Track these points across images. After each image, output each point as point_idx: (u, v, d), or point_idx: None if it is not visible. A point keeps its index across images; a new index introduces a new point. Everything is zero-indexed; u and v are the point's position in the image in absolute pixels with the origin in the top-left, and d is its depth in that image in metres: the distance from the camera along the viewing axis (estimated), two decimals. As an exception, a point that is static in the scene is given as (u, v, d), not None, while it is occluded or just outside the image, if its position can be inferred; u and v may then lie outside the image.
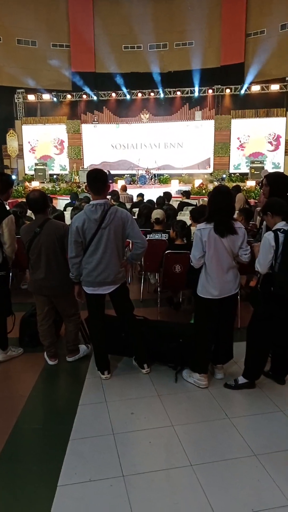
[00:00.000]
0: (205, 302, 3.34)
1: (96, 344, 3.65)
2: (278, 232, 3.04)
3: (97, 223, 3.28)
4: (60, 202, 12.69)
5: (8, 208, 4.38)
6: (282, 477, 2.45)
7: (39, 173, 18.62)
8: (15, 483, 2.47)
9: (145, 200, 9.50)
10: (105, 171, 3.62)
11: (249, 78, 18.63)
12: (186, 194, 10.68)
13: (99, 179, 3.35)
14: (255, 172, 16.68)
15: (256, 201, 11.62)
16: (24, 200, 11.09)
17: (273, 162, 18.55)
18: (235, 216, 5.09)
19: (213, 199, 3.32)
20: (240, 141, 19.00)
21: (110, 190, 3.25)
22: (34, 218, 3.74)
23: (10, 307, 3.95)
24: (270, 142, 18.67)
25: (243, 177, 17.67)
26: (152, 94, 19.25)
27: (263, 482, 2.42)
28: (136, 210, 8.18)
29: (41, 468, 2.59)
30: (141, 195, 10.44)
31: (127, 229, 3.36)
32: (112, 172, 17.09)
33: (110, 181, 14.13)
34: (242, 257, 3.30)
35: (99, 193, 3.34)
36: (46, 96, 19.65)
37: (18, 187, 17.13)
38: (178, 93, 19.07)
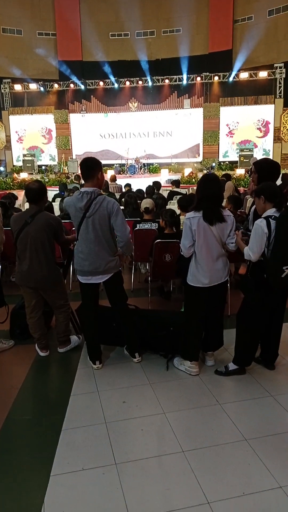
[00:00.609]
0: (195, 290, 3.35)
1: (88, 335, 3.66)
2: (270, 219, 3.04)
3: (82, 212, 3.26)
4: (49, 193, 12.56)
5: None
6: (272, 460, 2.49)
7: (27, 164, 18.43)
8: (8, 474, 2.48)
9: (134, 190, 9.46)
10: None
11: (237, 65, 18.56)
12: (176, 183, 10.64)
13: (86, 165, 3.32)
14: (245, 160, 16.69)
15: (246, 189, 11.63)
16: (12, 192, 11.01)
17: (264, 149, 18.55)
18: (224, 204, 5.10)
19: (201, 186, 3.31)
20: (229, 128, 18.96)
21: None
22: (22, 209, 3.71)
23: (3, 298, 3.95)
24: (259, 129, 18.67)
25: (233, 165, 17.67)
26: (140, 82, 19.11)
27: (253, 465, 2.46)
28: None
29: (34, 458, 2.60)
30: (128, 185, 10.40)
31: (111, 220, 3.29)
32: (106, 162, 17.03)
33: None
34: (229, 245, 3.30)
35: (87, 179, 3.31)
36: (33, 86, 19.39)
37: (7, 179, 16.95)
38: (166, 81, 18.94)
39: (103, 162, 17.72)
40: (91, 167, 3.31)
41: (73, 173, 17.02)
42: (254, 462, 2.49)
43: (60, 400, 3.19)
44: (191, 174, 16.24)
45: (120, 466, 2.48)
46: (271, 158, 12.42)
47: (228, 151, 19.03)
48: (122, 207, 6.38)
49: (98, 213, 3.25)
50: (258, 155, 17.66)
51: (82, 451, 2.62)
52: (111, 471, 2.44)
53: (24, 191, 3.78)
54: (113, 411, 3.02)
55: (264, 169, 3.50)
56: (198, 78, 18.68)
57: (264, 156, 17.52)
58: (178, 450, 2.60)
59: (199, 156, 19.21)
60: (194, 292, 3.38)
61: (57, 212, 6.70)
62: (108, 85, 19.40)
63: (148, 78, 19.04)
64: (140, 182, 12.39)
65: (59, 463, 2.52)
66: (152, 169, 17.65)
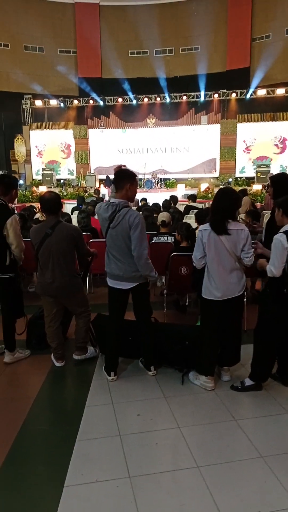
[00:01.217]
0: (208, 303, 3.35)
1: (109, 344, 3.64)
2: None
3: (108, 222, 3.31)
4: (67, 206, 12.77)
5: (16, 212, 4.42)
6: (289, 478, 2.44)
7: (46, 178, 18.75)
8: (22, 484, 2.48)
9: (150, 204, 9.53)
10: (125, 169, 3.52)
11: (254, 83, 18.70)
12: (192, 197, 10.70)
13: (117, 176, 3.36)
14: (261, 176, 16.67)
15: (262, 204, 11.60)
16: (32, 204, 11.20)
17: (281, 165, 18.52)
18: (243, 217, 5.07)
19: (215, 199, 3.35)
20: (246, 144, 19.01)
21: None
22: (42, 220, 3.77)
23: (22, 309, 3.99)
24: (276, 145, 18.65)
25: (249, 181, 17.66)
26: (158, 99, 19.35)
27: (269, 483, 2.41)
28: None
29: (48, 469, 2.60)
30: (144, 199, 10.51)
31: (131, 233, 3.26)
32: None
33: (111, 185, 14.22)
34: (244, 260, 3.26)
35: (117, 190, 3.35)
36: (53, 102, 19.82)
37: (26, 192, 17.26)
38: (184, 97, 19.15)
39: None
40: (121, 178, 3.34)
41: (91, 187, 17.25)
42: (270, 479, 2.44)
43: (75, 411, 3.19)
44: (207, 189, 16.28)
45: (134, 480, 2.46)
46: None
47: (245, 167, 19.05)
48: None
49: (121, 225, 3.27)
50: (275, 171, 17.61)
51: (96, 463, 2.61)
52: (125, 484, 2.43)
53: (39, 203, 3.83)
54: (127, 424, 3.01)
55: (279, 182, 3.56)
56: (216, 95, 18.83)
57: (281, 171, 17.48)
58: (193, 465, 2.57)
59: (215, 171, 19.27)
60: (207, 305, 3.38)
61: (75, 225, 6.78)
62: (127, 101, 19.71)
63: (166, 95, 19.27)
64: (157, 197, 12.48)
65: (73, 474, 2.52)
66: (169, 184, 17.76)
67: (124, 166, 3.70)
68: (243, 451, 2.70)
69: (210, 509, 2.24)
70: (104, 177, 16.95)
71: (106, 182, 15.90)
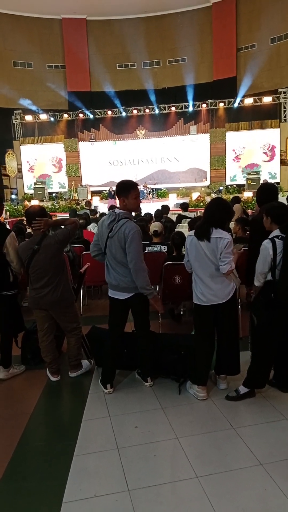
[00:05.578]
0: (198, 308, 3.40)
1: (107, 356, 3.61)
2: (276, 239, 3.07)
3: (108, 231, 3.32)
4: (60, 220, 12.75)
5: (8, 227, 4.43)
6: (289, 485, 2.42)
7: (38, 192, 18.80)
8: (19, 501, 2.45)
9: (142, 214, 9.55)
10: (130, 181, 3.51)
11: (241, 91, 18.97)
12: (184, 206, 10.74)
13: (116, 187, 3.42)
14: (252, 183, 16.83)
15: (253, 211, 11.68)
16: (22, 218, 11.18)
17: (269, 172, 18.70)
18: (232, 226, 5.11)
19: (207, 207, 3.41)
20: (235, 153, 19.22)
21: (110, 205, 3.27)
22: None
23: (23, 323, 4.02)
24: (265, 153, 18.86)
25: (240, 188, 17.81)
26: (147, 110, 19.54)
27: (270, 491, 2.39)
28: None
29: (46, 485, 2.56)
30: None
31: (126, 245, 3.25)
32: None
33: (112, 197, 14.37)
34: (220, 267, 3.23)
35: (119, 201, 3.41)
36: (43, 116, 19.95)
37: (18, 206, 17.26)
38: (173, 108, 19.37)
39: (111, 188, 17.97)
40: (117, 190, 3.39)
41: (83, 200, 17.30)
42: (270, 487, 2.42)
43: (72, 426, 3.16)
44: (199, 198, 16.39)
45: (133, 493, 2.43)
46: (270, 182, 12.60)
47: (236, 175, 19.21)
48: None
49: (117, 236, 3.28)
50: (264, 178, 17.81)
51: (95, 478, 2.58)
52: (124, 498, 2.40)
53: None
54: (125, 437, 2.98)
55: (260, 192, 3.89)
56: (204, 105, 19.06)
57: (270, 179, 17.68)
58: (192, 476, 2.55)
59: (206, 180, 19.41)
60: (197, 310, 3.42)
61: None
62: (116, 113, 19.87)
63: (155, 106, 19.49)
64: (149, 207, 12.51)
65: (71, 489, 2.48)
66: (160, 194, 17.85)
67: (113, 190, 3.77)
68: (242, 459, 2.68)
69: (210, 520, 2.21)
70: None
71: (109, 195, 16.12)
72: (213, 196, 16.46)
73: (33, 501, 2.44)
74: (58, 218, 3.95)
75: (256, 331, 3.33)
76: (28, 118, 19.97)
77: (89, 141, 20.24)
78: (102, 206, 15.72)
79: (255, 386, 3.38)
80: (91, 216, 9.19)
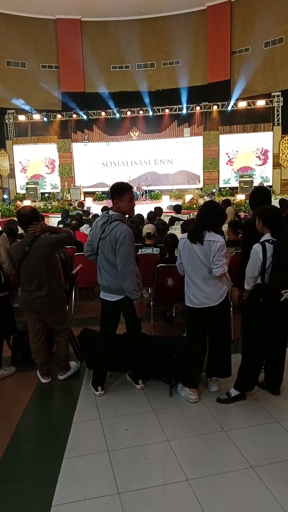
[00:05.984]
0: (190, 311, 3.40)
1: (99, 358, 3.60)
2: (267, 243, 3.09)
3: (100, 232, 3.31)
4: (52, 220, 12.72)
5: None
6: (279, 488, 2.43)
7: (30, 192, 18.70)
8: (9, 504, 2.42)
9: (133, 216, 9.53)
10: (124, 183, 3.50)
11: (235, 95, 19.03)
12: (177, 208, 10.75)
13: (111, 188, 3.38)
14: (245, 186, 16.90)
15: (246, 214, 11.73)
16: (13, 218, 11.11)
17: (262, 176, 18.80)
18: (226, 229, 5.11)
19: (201, 210, 3.42)
20: (228, 156, 19.30)
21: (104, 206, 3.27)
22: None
23: (15, 325, 4.01)
24: (258, 157, 18.96)
25: (233, 191, 17.87)
26: (141, 112, 19.52)
27: (260, 493, 2.40)
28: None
29: (35, 487, 2.55)
30: None
31: (116, 248, 3.23)
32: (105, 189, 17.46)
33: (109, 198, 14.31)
34: (212, 270, 3.24)
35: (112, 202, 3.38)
36: (37, 116, 19.86)
37: (10, 206, 17.16)
38: (167, 110, 19.39)
39: (103, 189, 18.07)
40: (112, 192, 3.36)
41: (76, 200, 17.24)
42: (260, 489, 2.43)
43: (62, 428, 3.14)
44: (192, 200, 16.42)
45: (123, 496, 2.42)
46: (263, 186, 12.64)
47: (230, 178, 19.29)
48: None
49: (108, 238, 3.27)
50: (257, 181, 17.91)
51: (85, 480, 2.57)
52: (115, 500, 2.38)
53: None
54: (116, 439, 2.97)
55: (253, 196, 3.96)
56: (198, 108, 19.11)
57: (263, 183, 17.77)
58: (183, 479, 2.54)
59: (199, 182, 19.46)
60: (189, 313, 3.43)
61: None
62: (110, 115, 19.85)
63: (149, 108, 19.49)
64: (142, 209, 12.49)
65: (61, 493, 2.47)
66: (154, 195, 17.85)
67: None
68: (233, 462, 2.68)
69: (201, 523, 2.21)
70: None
71: (107, 195, 16.16)
72: (206, 198, 16.54)
73: (22, 503, 2.42)
74: (52, 226, 3.92)
75: (246, 334, 3.34)
76: (21, 118, 19.86)
77: (83, 142, 20.19)
78: (95, 207, 15.69)
79: (246, 388, 3.39)
80: (83, 217, 9.16)
